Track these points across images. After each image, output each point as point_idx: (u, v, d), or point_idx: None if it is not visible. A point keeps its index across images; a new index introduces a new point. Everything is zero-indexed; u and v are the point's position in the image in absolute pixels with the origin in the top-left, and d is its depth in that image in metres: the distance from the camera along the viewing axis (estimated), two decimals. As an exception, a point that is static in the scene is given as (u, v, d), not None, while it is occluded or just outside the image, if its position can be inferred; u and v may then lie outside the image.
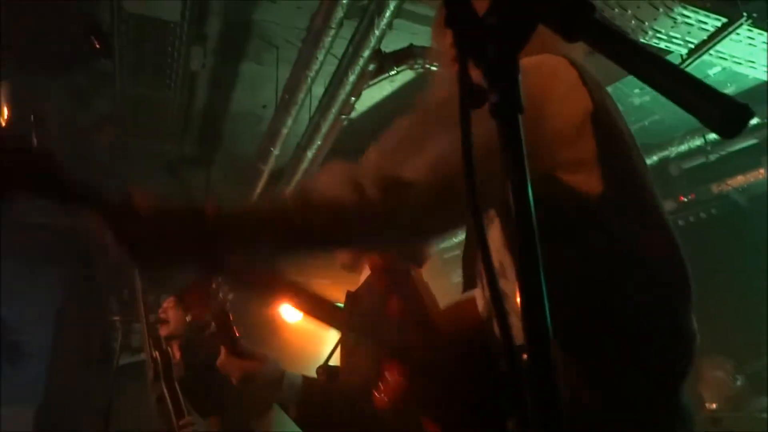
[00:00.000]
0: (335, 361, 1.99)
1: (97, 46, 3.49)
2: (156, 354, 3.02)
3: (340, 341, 1.86)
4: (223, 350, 1.63)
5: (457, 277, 1.44)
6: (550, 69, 1.04)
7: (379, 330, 1.31)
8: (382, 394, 1.21)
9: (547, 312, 0.57)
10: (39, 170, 0.87)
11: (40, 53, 3.89)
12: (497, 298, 0.58)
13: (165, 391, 2.85)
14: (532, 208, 0.59)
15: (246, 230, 0.97)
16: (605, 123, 1.04)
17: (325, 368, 1.90)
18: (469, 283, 1.33)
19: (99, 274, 6.09)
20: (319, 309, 1.34)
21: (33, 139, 0.91)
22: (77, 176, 0.89)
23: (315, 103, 4.25)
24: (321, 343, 4.84)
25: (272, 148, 4.31)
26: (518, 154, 0.59)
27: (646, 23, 3.10)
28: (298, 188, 1.07)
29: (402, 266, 1.40)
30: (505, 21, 0.59)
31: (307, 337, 5.56)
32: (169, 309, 3.37)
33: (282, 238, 0.99)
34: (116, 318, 4.01)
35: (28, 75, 4.19)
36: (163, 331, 3.39)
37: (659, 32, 3.15)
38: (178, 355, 3.31)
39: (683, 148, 4.57)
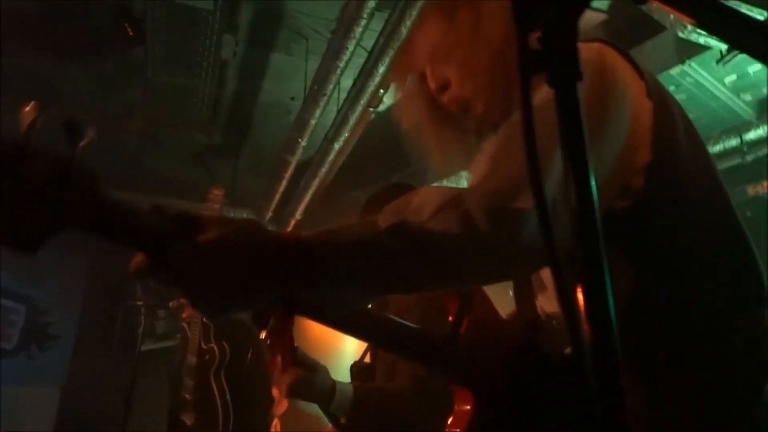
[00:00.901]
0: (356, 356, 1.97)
1: (130, 33, 3.52)
2: (210, 346, 3.05)
3: None
4: (273, 360, 1.54)
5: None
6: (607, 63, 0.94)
7: (451, 355, 1.15)
8: (456, 428, 1.13)
9: (614, 322, 0.52)
10: (79, 196, 0.67)
11: (72, 39, 3.93)
12: (571, 313, 0.52)
13: (214, 386, 2.90)
14: (595, 195, 0.55)
15: (337, 264, 0.77)
16: (663, 125, 0.97)
17: (360, 366, 1.88)
18: (521, 305, 1.26)
19: (125, 259, 6.16)
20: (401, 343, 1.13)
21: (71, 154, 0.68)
22: (119, 201, 0.71)
23: (343, 96, 4.23)
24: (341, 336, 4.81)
25: (300, 139, 4.31)
26: (577, 128, 0.56)
27: (686, 17, 3.02)
28: (390, 215, 0.82)
29: None
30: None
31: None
32: None
33: (377, 274, 0.80)
34: (140, 303, 4.05)
35: (60, 61, 4.25)
36: (185, 314, 3.42)
37: (698, 26, 3.06)
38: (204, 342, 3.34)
39: (719, 148, 4.44)
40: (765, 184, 4.61)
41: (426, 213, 0.82)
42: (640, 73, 0.99)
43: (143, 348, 4.19)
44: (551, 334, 1.18)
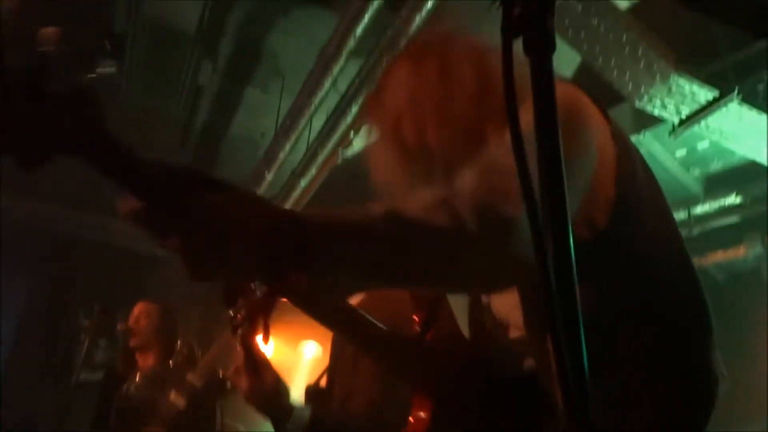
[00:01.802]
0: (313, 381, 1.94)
1: (109, 48, 3.53)
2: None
3: (331, 359, 1.81)
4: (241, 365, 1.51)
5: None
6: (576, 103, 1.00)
7: (417, 363, 1.20)
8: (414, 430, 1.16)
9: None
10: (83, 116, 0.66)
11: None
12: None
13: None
14: (564, 178, 0.56)
15: (337, 243, 0.78)
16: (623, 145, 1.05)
17: (315, 389, 1.86)
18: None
19: (69, 284, 5.95)
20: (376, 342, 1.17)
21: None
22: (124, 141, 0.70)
23: (314, 136, 4.31)
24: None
25: (267, 172, 4.33)
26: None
27: (643, 88, 3.23)
28: (386, 206, 0.83)
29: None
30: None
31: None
32: (141, 318, 3.27)
33: (368, 258, 0.81)
34: (86, 322, 3.88)
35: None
36: (132, 342, 3.28)
37: (654, 98, 3.28)
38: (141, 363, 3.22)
39: (667, 219, 4.65)
40: (709, 256, 4.83)
41: (420, 209, 0.83)
42: (607, 118, 1.07)
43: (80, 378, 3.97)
44: (503, 346, 1.21)
